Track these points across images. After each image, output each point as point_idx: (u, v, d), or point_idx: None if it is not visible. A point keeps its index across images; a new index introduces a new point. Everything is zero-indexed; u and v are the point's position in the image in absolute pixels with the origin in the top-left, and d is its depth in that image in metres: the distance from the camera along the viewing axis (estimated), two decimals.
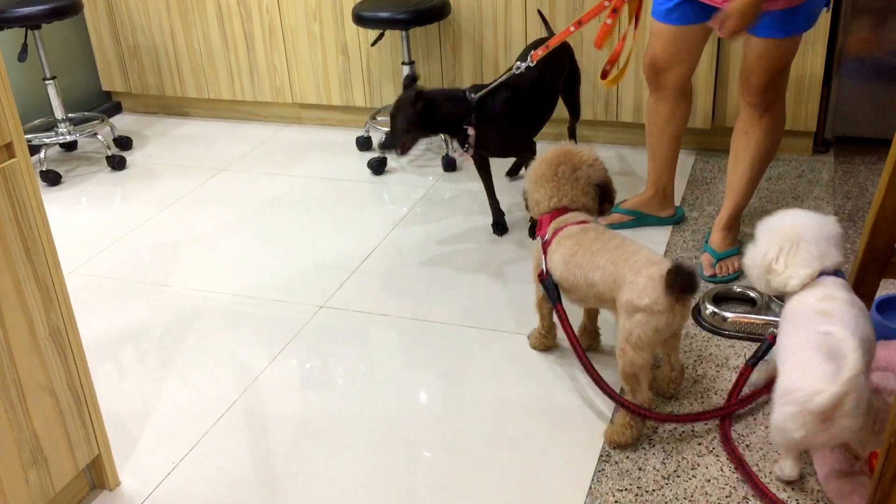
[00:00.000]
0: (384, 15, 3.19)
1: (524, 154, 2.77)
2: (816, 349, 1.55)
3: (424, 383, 2.13)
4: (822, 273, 1.74)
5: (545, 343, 2.19)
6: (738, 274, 2.47)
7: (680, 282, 1.72)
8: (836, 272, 1.76)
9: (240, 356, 2.29)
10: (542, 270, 2.01)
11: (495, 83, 2.64)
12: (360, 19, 3.25)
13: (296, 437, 1.97)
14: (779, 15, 2.15)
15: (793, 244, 1.76)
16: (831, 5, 2.25)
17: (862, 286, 1.95)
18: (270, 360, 2.26)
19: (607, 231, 1.97)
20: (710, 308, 2.27)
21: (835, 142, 3.29)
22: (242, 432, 2.00)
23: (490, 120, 2.64)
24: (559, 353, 2.20)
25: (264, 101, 3.90)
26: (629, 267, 1.81)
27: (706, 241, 2.57)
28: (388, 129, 2.76)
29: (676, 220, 2.79)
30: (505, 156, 2.98)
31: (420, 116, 2.60)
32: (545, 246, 2.01)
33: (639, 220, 2.75)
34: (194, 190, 3.34)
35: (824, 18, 2.96)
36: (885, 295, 2.14)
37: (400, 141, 2.67)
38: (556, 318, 2.03)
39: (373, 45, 3.47)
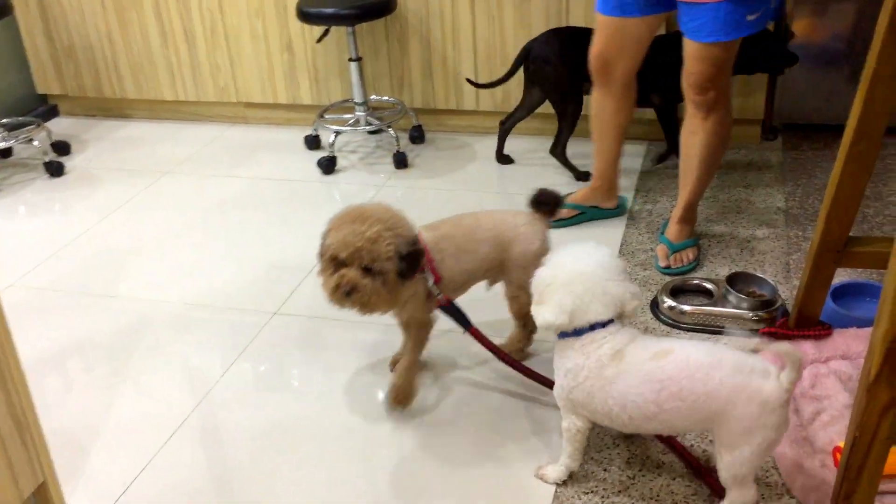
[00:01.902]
0: (329, 11, 3.12)
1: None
2: (742, 371, 1.53)
3: (383, 388, 2.08)
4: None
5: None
6: (694, 265, 2.47)
7: (545, 198, 1.98)
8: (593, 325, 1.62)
9: (192, 367, 2.22)
10: (440, 299, 1.90)
11: None
12: (305, 16, 3.17)
13: (254, 448, 1.91)
14: (711, 19, 2.16)
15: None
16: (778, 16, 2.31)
17: (818, 276, 1.96)
18: (224, 370, 2.19)
19: (464, 214, 2.03)
20: (668, 301, 2.27)
21: (782, 129, 3.32)
22: (198, 445, 1.94)
23: None
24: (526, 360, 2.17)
25: (208, 100, 3.80)
26: (507, 226, 1.97)
27: (662, 233, 2.57)
28: None
29: (620, 210, 2.80)
30: None
31: None
32: (431, 265, 1.88)
33: (585, 213, 2.75)
34: (138, 195, 3.24)
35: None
36: (839, 282, 2.15)
37: None
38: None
39: (318, 41, 3.40)
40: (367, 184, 3.21)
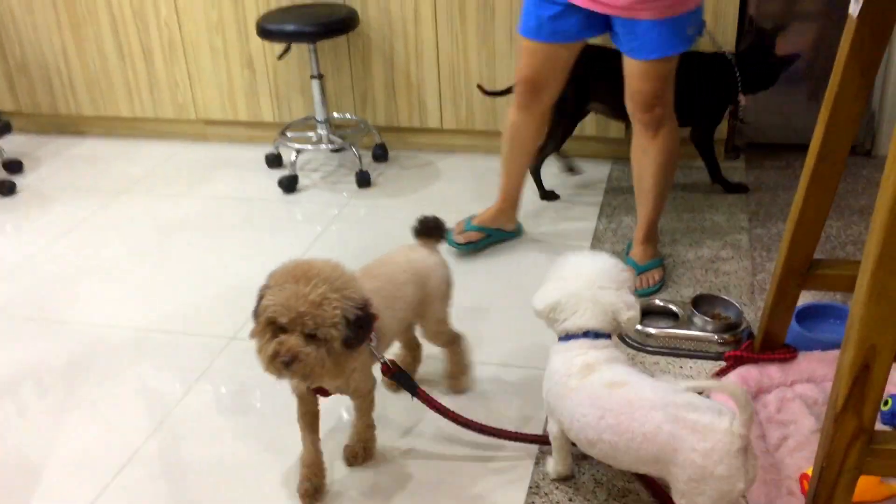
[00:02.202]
0: (290, 28, 3.07)
1: None
2: (683, 404, 1.46)
3: (348, 411, 2.03)
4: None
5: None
6: (660, 286, 2.46)
7: (431, 224, 1.97)
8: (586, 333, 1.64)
9: (148, 394, 2.14)
10: (384, 363, 1.77)
11: None
12: (266, 32, 3.12)
13: (211, 482, 1.84)
14: (657, 35, 2.17)
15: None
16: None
17: (782, 299, 1.95)
18: (181, 397, 2.12)
19: (374, 262, 1.89)
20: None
21: (745, 148, 3.33)
22: (150, 481, 1.87)
23: None
24: (476, 392, 2.14)
25: (166, 117, 3.72)
26: (419, 262, 1.90)
27: (627, 255, 2.55)
28: None
29: (519, 232, 2.80)
30: None
31: None
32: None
33: (491, 236, 2.73)
34: (93, 215, 3.15)
35: (731, 27, 2.99)
36: (803, 304, 2.15)
37: None
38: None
39: (279, 58, 3.34)
40: (329, 203, 3.15)
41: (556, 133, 2.95)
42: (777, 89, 2.90)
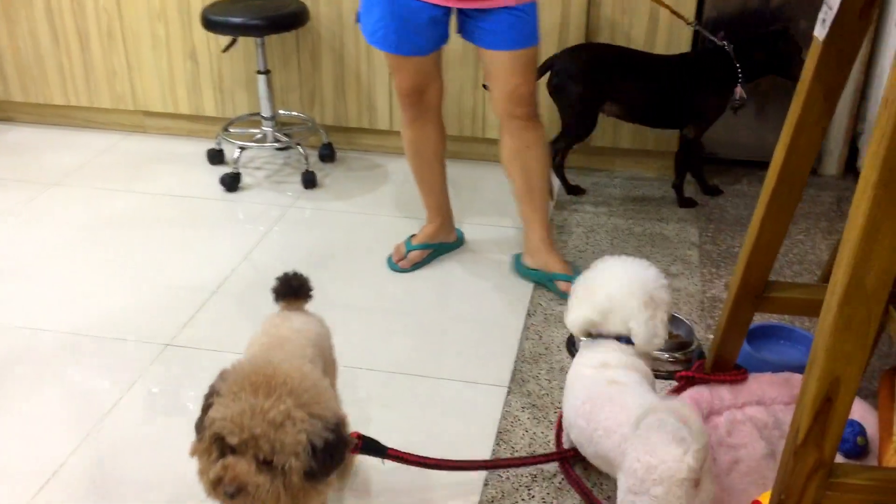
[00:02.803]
0: (236, 20, 2.95)
1: None
2: (646, 423, 1.44)
3: None
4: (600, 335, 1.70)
5: None
6: None
7: (297, 282, 1.70)
8: (619, 337, 1.69)
9: (73, 406, 2.02)
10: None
11: None
12: (210, 24, 2.99)
13: (146, 499, 1.74)
14: (525, 22, 2.19)
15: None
16: None
17: (736, 320, 1.92)
18: (108, 411, 2.00)
19: (271, 343, 1.57)
20: (584, 340, 2.20)
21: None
22: (75, 500, 1.75)
23: None
24: (429, 398, 2.07)
25: (102, 107, 3.56)
26: (313, 329, 1.64)
27: (549, 277, 2.47)
28: None
29: (461, 241, 2.74)
30: None
31: None
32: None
33: (436, 250, 2.67)
34: (19, 208, 2.98)
35: (685, 38, 2.98)
36: (753, 325, 2.13)
37: None
38: None
39: (224, 51, 3.22)
40: (273, 204, 3.05)
41: (570, 133, 2.90)
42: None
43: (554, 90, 2.87)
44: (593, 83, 2.79)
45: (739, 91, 2.74)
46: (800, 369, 1.47)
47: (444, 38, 2.30)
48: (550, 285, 2.47)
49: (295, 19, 3.02)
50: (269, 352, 1.52)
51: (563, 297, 2.41)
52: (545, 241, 2.47)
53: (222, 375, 1.31)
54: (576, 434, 1.64)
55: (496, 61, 2.25)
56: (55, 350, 2.22)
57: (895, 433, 1.68)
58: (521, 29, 2.21)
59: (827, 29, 1.56)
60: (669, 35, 2.98)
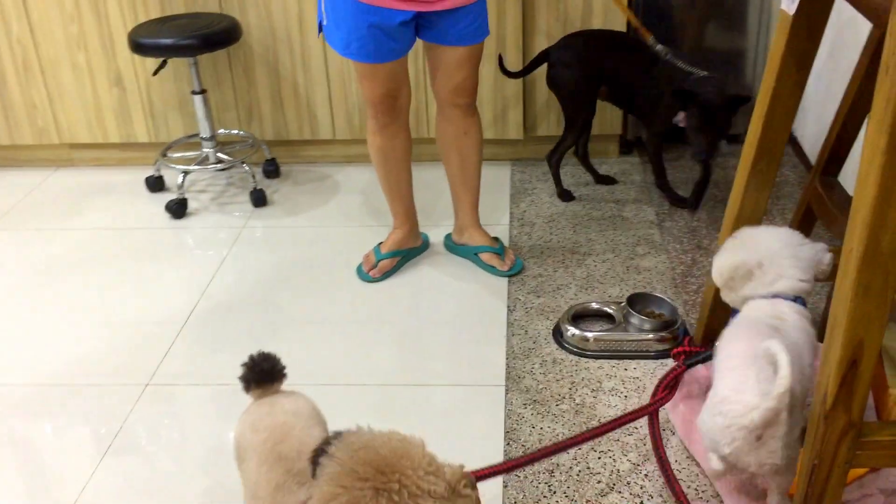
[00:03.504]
0: (167, 41, 2.84)
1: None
2: (755, 362, 1.49)
3: None
4: (778, 296, 1.70)
5: None
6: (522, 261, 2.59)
7: (269, 365, 1.53)
8: (796, 298, 1.70)
9: (52, 468, 1.91)
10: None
11: None
12: (140, 47, 2.87)
13: None
14: (476, 18, 2.25)
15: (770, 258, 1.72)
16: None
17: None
18: (95, 466, 1.90)
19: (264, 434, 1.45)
20: (571, 329, 2.21)
21: (635, 142, 3.39)
22: None
23: None
24: (427, 406, 2.04)
25: (24, 143, 3.38)
26: (302, 407, 1.52)
27: (477, 245, 2.59)
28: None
29: (426, 245, 2.74)
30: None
31: None
32: None
33: (405, 257, 2.66)
34: None
35: (618, 23, 3.02)
36: None
37: None
38: None
39: (154, 74, 3.10)
40: (224, 226, 2.95)
41: (575, 123, 2.90)
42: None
43: (552, 81, 2.90)
44: (588, 66, 2.81)
45: (683, 117, 2.65)
46: None
47: (413, 39, 2.30)
48: (475, 259, 2.60)
49: (228, 36, 2.93)
50: (277, 447, 1.40)
51: (489, 269, 2.57)
52: (473, 220, 2.61)
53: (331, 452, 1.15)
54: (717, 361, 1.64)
55: (453, 56, 2.30)
56: (22, 405, 2.10)
57: (891, 385, 1.74)
58: (481, 24, 2.29)
59: (796, 3, 1.60)
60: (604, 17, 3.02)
